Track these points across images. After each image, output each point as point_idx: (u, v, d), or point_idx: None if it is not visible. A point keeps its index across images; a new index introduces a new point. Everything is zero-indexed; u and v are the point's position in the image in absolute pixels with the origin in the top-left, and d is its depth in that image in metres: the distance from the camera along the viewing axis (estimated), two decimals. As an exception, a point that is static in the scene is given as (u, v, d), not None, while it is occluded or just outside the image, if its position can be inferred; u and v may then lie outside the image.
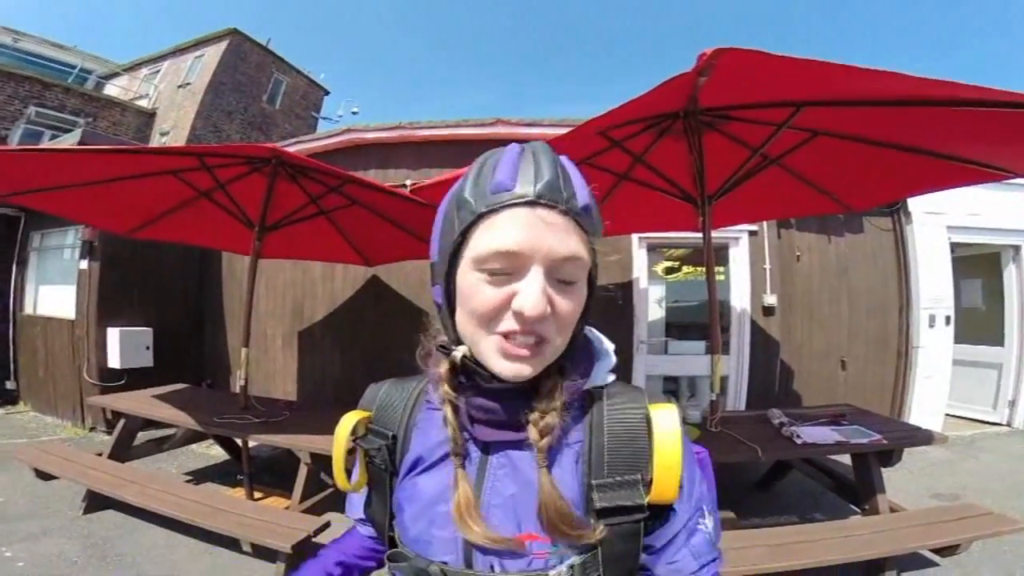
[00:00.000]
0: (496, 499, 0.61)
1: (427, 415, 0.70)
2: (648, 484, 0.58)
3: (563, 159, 0.59)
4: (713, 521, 0.66)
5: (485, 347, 0.58)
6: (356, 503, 0.80)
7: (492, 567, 0.60)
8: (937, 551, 2.66)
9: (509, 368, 0.57)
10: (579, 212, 0.55)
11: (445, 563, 0.62)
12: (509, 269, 0.54)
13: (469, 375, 0.63)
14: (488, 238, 0.54)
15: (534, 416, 0.60)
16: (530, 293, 0.53)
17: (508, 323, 0.55)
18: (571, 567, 0.58)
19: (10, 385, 6.57)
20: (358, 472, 0.73)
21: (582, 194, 0.56)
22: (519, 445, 0.62)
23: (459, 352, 0.61)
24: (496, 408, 0.62)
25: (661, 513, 0.60)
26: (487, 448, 0.64)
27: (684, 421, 3.04)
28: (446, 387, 0.64)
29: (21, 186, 3.04)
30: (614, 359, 0.69)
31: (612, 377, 0.68)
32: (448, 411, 0.64)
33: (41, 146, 6.15)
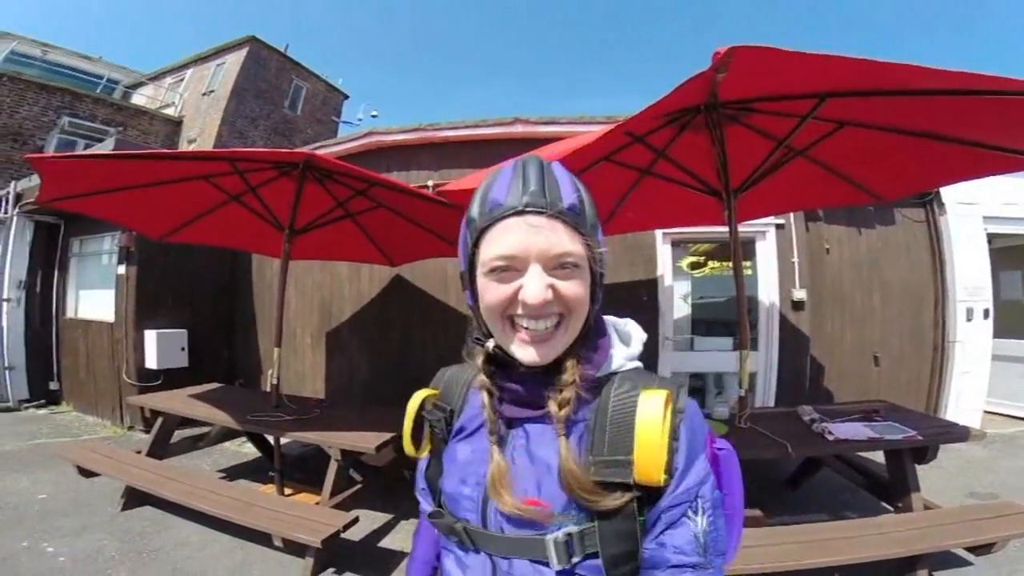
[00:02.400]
0: (512, 467, 0.70)
1: (474, 394, 0.80)
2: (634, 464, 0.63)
3: (554, 166, 0.69)
4: (709, 522, 0.65)
5: (506, 338, 0.69)
6: (420, 476, 0.88)
7: (502, 528, 0.69)
8: (971, 549, 2.60)
9: (526, 354, 0.67)
10: (564, 212, 0.64)
11: (468, 521, 0.72)
12: (512, 269, 0.65)
13: (501, 363, 0.74)
14: (490, 247, 0.66)
15: (555, 392, 0.69)
16: (530, 285, 0.63)
17: (519, 312, 0.66)
18: (568, 535, 0.64)
19: (53, 386, 6.82)
20: (425, 440, 0.84)
21: (568, 196, 0.66)
22: (537, 420, 0.71)
23: (491, 343, 0.72)
24: (520, 390, 0.72)
25: (654, 496, 0.64)
26: (510, 423, 0.74)
27: (709, 416, 3.05)
28: (482, 376, 0.75)
29: (64, 191, 3.16)
30: (637, 348, 0.77)
31: (632, 364, 0.75)
32: (484, 396, 0.75)
33: (84, 152, 6.34)
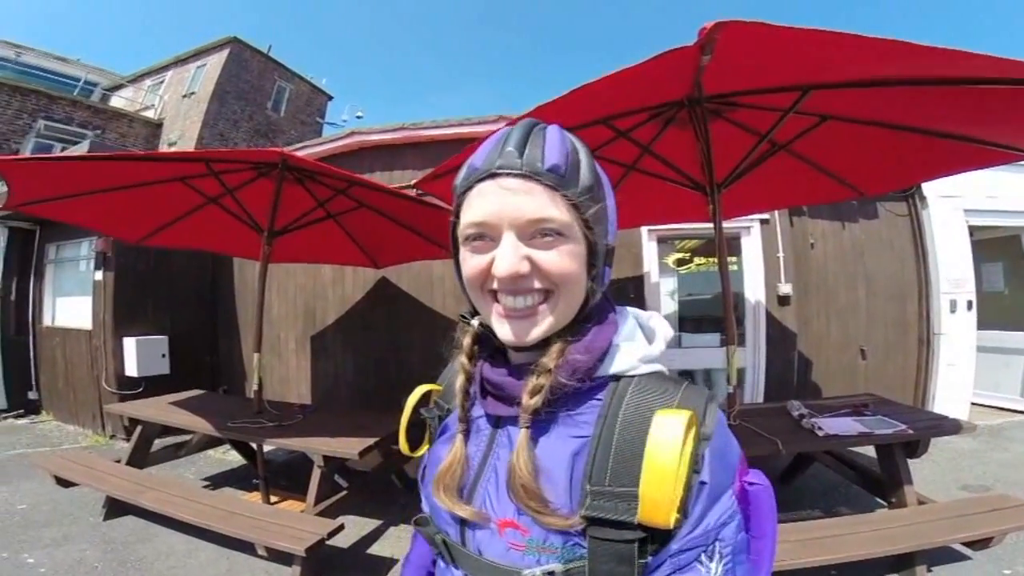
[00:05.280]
0: (492, 475, 0.62)
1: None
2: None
3: (549, 127, 0.60)
4: (725, 571, 0.52)
5: (489, 314, 0.61)
6: (419, 475, 0.81)
7: (479, 551, 0.61)
8: (969, 544, 2.59)
9: (508, 332, 0.59)
10: (541, 172, 0.55)
11: (448, 535, 0.65)
12: (488, 237, 0.58)
13: (494, 349, 0.67)
14: (465, 215, 0.59)
15: (531, 377, 0.59)
16: (501, 255, 0.56)
17: (495, 287, 0.59)
18: (549, 574, 0.54)
19: (32, 395, 6.69)
20: (427, 438, 0.76)
21: (553, 155, 0.56)
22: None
23: (476, 321, 0.67)
24: (504, 382, 0.62)
25: (665, 539, 0.52)
26: (498, 422, 0.65)
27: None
28: (463, 357, 0.68)
29: (34, 195, 3.08)
30: (660, 347, 0.65)
31: (649, 367, 0.62)
32: (459, 379, 0.67)
33: (51, 155, 6.19)
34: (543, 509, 0.54)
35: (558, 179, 0.56)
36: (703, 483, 0.53)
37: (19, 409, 6.60)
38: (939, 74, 1.99)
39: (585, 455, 0.56)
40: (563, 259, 0.57)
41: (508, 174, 0.56)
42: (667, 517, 0.49)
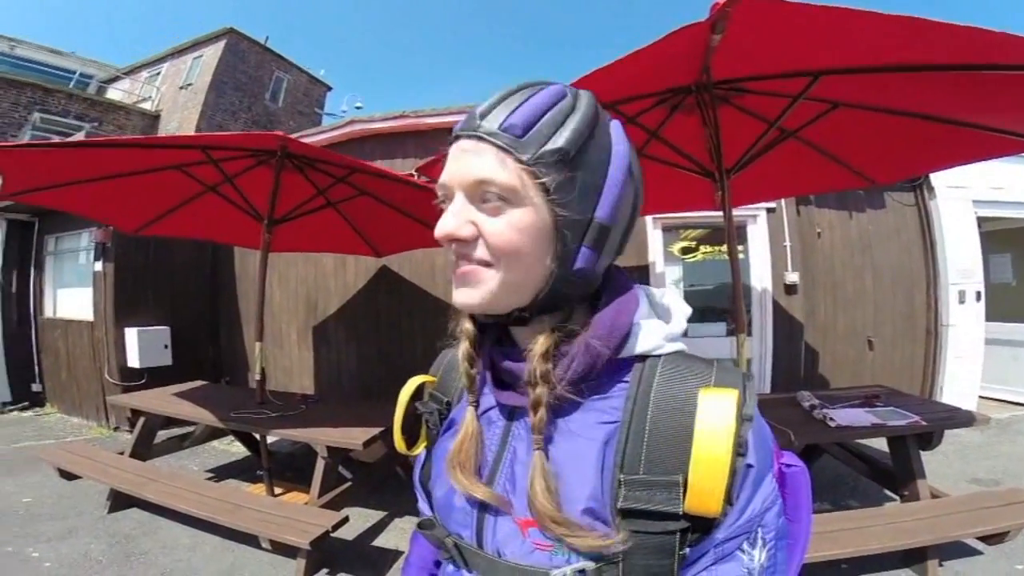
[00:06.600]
0: (509, 471, 0.57)
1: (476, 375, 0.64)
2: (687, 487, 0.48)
3: (548, 86, 0.54)
4: (768, 556, 0.50)
5: None
6: (416, 473, 0.76)
7: (499, 552, 0.56)
8: (983, 538, 2.56)
9: (456, 295, 0.55)
10: (494, 132, 0.51)
11: (461, 537, 0.60)
12: (448, 202, 0.55)
13: (499, 331, 0.63)
14: None
15: (530, 366, 0.54)
16: (443, 216, 0.54)
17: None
18: (580, 572, 0.50)
19: (36, 387, 6.67)
20: (422, 435, 0.71)
21: (518, 114, 0.51)
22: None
23: None
24: (516, 368, 0.57)
25: (706, 528, 0.49)
26: (512, 413, 0.60)
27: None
28: (465, 342, 0.62)
29: (28, 184, 3.04)
30: (680, 325, 0.60)
31: (674, 346, 0.57)
32: (463, 365, 0.61)
33: (43, 141, 6.13)
34: (573, 532, 0.49)
35: (511, 140, 0.50)
36: (749, 467, 0.50)
37: (24, 401, 6.58)
38: (955, 59, 1.92)
39: (615, 442, 0.52)
40: (506, 230, 0.51)
41: (466, 136, 0.53)
42: (718, 505, 0.47)
